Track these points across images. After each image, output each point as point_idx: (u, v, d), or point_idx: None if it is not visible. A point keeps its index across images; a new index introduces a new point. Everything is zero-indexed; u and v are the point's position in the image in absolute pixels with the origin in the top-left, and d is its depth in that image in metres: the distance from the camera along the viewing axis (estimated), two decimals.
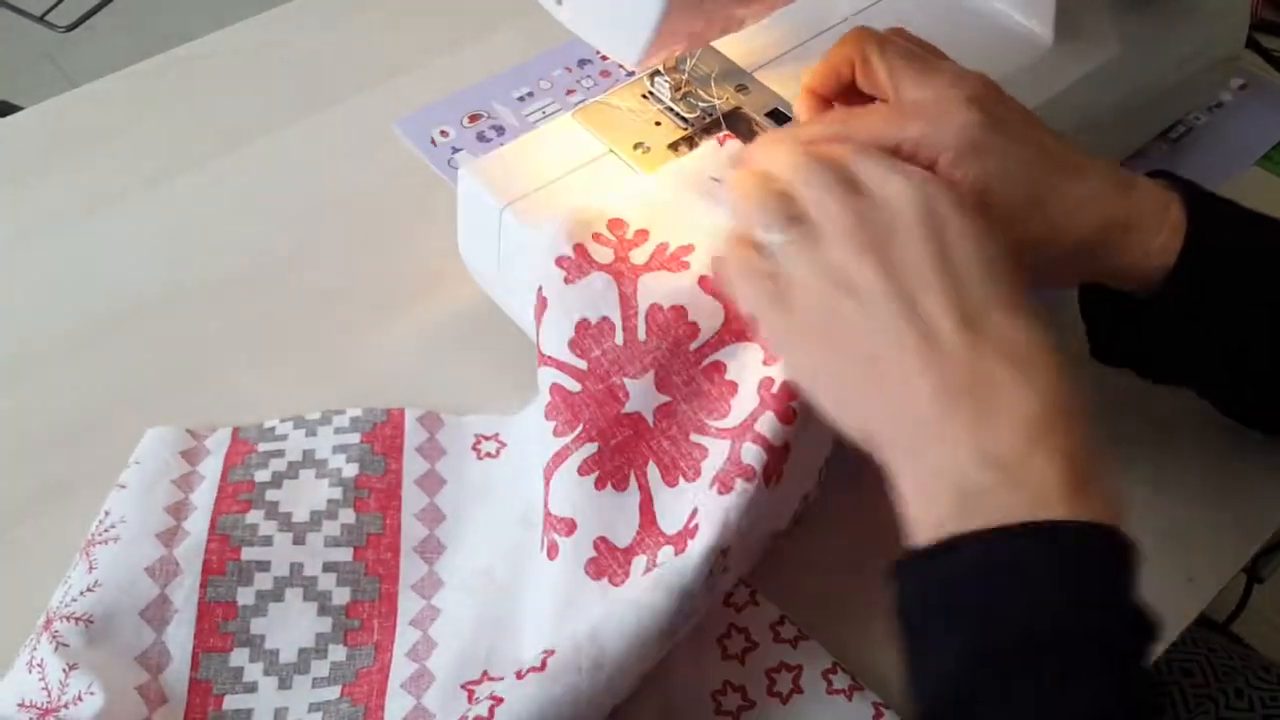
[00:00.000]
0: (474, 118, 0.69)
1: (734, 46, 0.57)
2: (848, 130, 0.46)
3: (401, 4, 0.78)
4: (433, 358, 0.57)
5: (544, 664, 0.41)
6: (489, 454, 0.53)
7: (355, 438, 0.52)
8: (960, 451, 0.37)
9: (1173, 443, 0.54)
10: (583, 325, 0.46)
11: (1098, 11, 0.59)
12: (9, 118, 0.71)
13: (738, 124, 0.54)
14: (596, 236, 0.48)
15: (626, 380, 0.46)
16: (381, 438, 0.52)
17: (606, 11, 0.46)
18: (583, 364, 0.46)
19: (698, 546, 0.42)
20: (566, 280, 0.47)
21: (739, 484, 0.43)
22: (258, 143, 0.68)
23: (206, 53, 0.75)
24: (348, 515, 0.49)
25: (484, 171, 0.52)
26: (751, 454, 0.43)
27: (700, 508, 0.44)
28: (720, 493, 0.43)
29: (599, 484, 0.45)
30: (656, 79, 0.54)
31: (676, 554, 0.43)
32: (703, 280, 0.47)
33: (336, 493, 0.49)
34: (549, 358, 0.47)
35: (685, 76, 0.54)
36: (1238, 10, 0.66)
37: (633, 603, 0.42)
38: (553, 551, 0.45)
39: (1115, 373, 0.42)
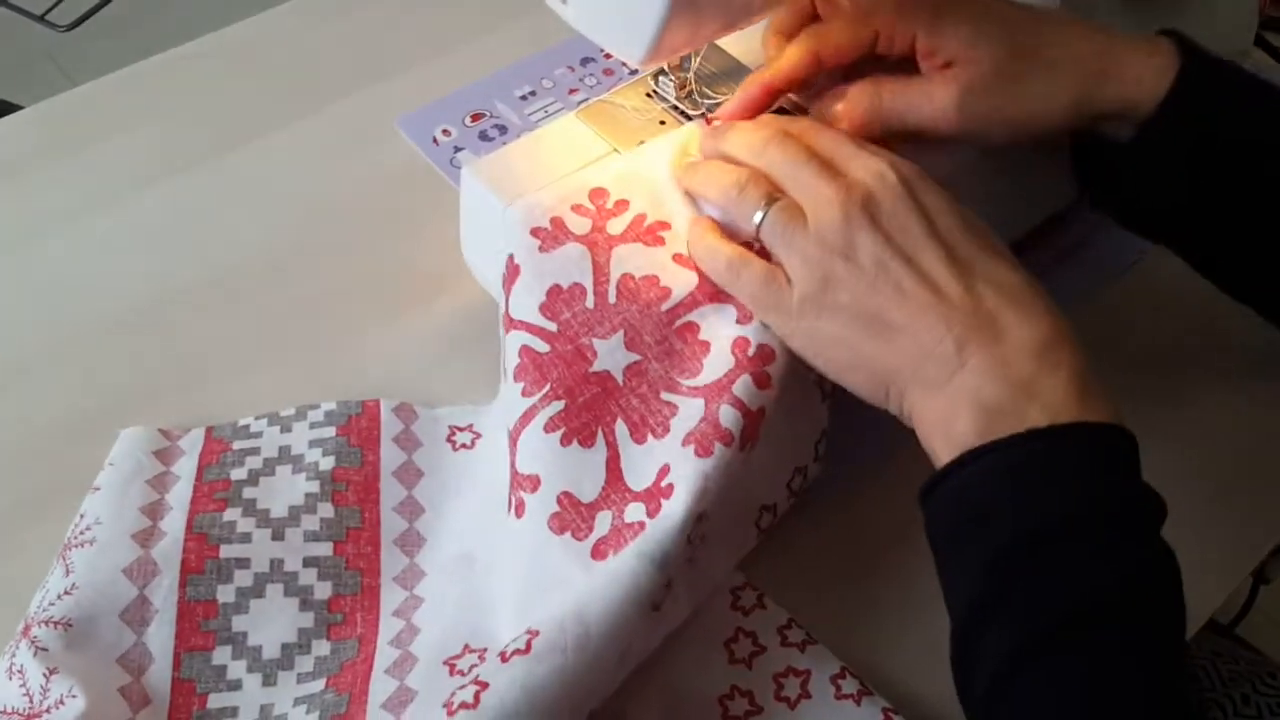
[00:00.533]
0: (476, 116, 0.68)
1: (738, 44, 0.56)
2: (817, 44, 0.48)
3: (402, 2, 0.77)
4: (435, 359, 0.56)
5: (528, 646, 0.40)
6: (464, 445, 0.52)
7: (330, 431, 0.51)
8: (977, 377, 0.39)
9: (1183, 443, 0.53)
10: (554, 290, 0.47)
11: (1104, 7, 0.59)
12: (8, 117, 0.71)
13: None
14: (576, 208, 0.48)
15: (595, 340, 0.46)
16: (357, 430, 0.51)
17: (612, 10, 0.46)
18: (553, 326, 0.46)
19: (675, 510, 0.42)
20: (541, 249, 0.47)
21: (717, 447, 0.43)
22: (258, 142, 0.68)
23: (207, 51, 0.74)
24: (326, 509, 0.48)
25: (487, 171, 0.51)
26: (729, 417, 0.43)
27: (673, 467, 0.44)
28: (698, 455, 0.43)
29: (564, 440, 0.45)
30: (660, 78, 0.54)
31: (648, 513, 0.43)
32: (678, 257, 0.47)
33: (314, 486, 0.49)
34: (518, 321, 0.47)
35: (690, 75, 0.53)
36: (1245, 8, 0.65)
37: (613, 574, 0.42)
38: (520, 509, 0.45)
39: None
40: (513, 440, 0.46)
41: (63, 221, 0.63)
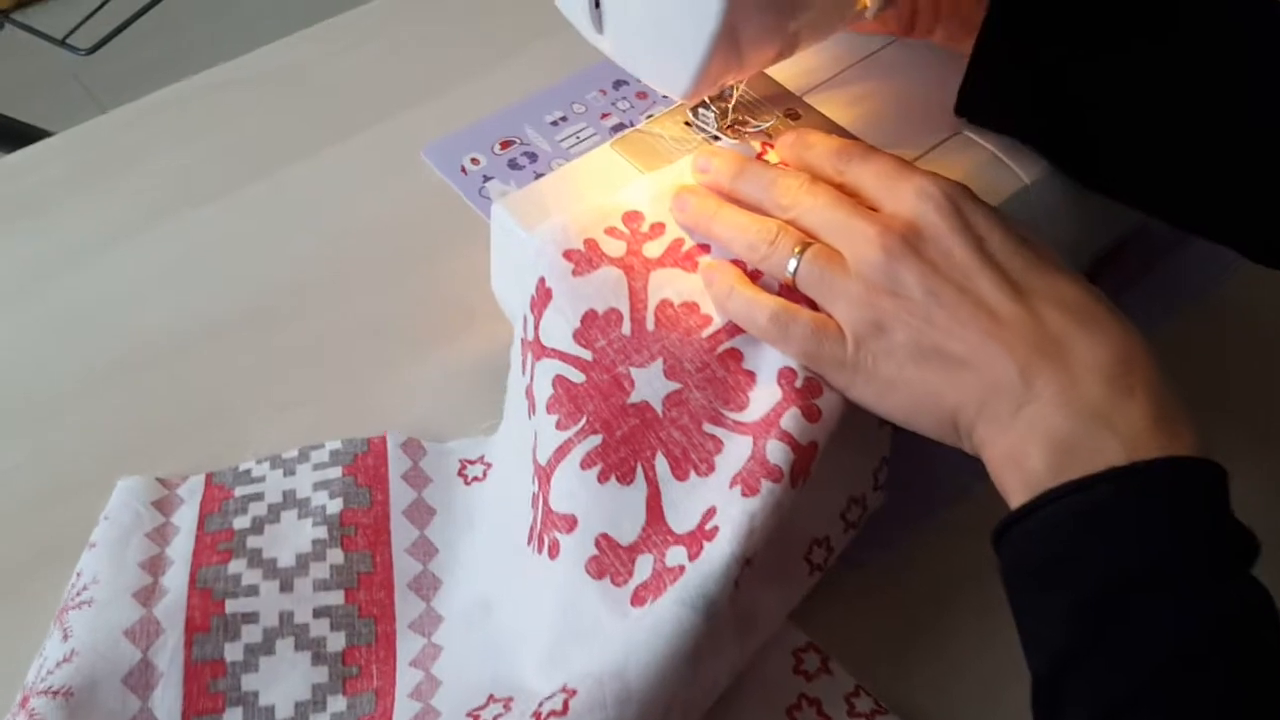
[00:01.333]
0: (505, 144, 0.66)
1: (782, 70, 0.54)
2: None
3: (428, 27, 0.76)
4: (464, 396, 0.54)
5: (565, 706, 0.37)
6: (476, 478, 0.50)
7: (336, 472, 0.49)
8: (1046, 408, 0.37)
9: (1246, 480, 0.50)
10: (589, 316, 0.44)
11: None
12: (36, 145, 0.69)
13: None
14: (610, 230, 0.46)
15: (633, 369, 0.43)
16: (364, 469, 0.49)
17: (653, 42, 0.44)
18: (588, 355, 0.44)
19: (719, 554, 0.39)
20: (575, 273, 0.45)
21: (765, 485, 0.40)
22: (282, 171, 0.66)
23: (231, 79, 0.73)
24: (336, 555, 0.46)
25: (519, 205, 0.49)
26: (778, 453, 0.41)
27: (719, 509, 0.41)
28: (744, 495, 0.40)
29: (602, 477, 0.42)
30: (700, 110, 0.51)
31: (690, 557, 0.40)
32: None
33: (321, 532, 0.47)
34: (551, 349, 0.44)
35: (732, 103, 0.51)
36: None
37: (653, 624, 0.39)
38: (554, 551, 0.43)
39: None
40: (546, 476, 0.44)
41: (84, 255, 0.62)
